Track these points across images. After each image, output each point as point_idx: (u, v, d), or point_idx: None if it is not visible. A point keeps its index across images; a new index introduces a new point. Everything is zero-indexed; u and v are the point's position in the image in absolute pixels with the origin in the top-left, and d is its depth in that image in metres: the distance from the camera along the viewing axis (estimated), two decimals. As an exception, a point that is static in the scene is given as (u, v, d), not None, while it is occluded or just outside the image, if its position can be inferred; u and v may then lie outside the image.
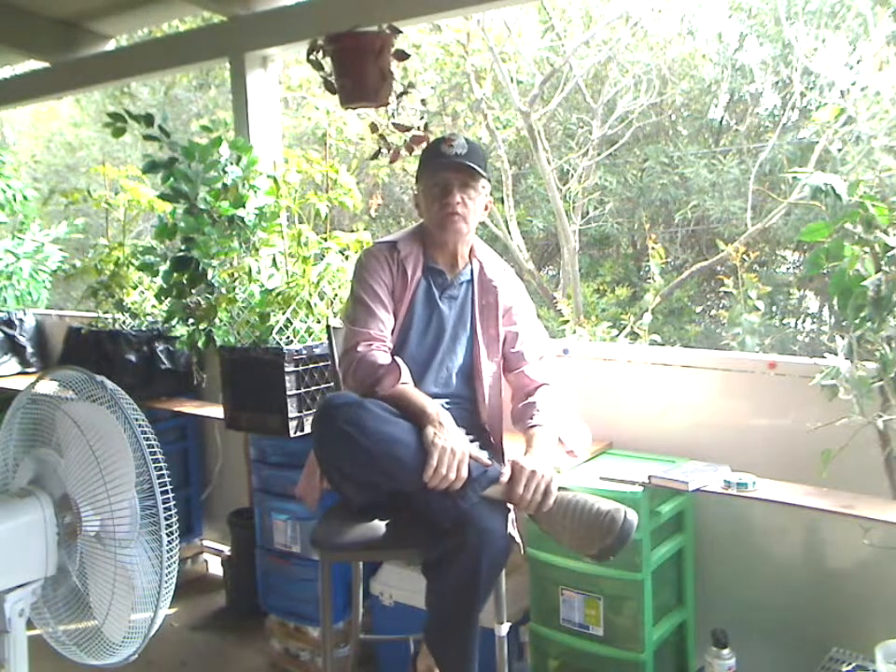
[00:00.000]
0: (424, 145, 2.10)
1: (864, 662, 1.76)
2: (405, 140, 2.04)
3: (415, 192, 1.98)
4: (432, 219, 1.91)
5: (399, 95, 2.03)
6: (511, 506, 1.75)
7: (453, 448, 1.65)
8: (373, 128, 2.12)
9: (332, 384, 2.31)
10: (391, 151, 2.03)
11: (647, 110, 6.57)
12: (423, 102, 2.28)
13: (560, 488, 1.73)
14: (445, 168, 1.86)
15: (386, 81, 2.01)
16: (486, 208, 1.96)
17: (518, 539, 1.77)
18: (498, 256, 2.07)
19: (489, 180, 1.93)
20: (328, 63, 2.04)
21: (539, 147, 6.14)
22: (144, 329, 3.06)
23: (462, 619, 1.69)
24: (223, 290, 2.57)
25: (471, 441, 1.89)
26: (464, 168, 1.85)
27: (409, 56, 2.00)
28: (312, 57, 2.01)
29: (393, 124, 2.06)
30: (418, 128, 2.02)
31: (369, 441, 1.66)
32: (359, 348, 1.84)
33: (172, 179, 2.55)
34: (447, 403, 1.93)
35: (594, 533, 1.64)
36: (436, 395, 1.92)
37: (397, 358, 1.84)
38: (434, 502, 1.65)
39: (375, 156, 2.25)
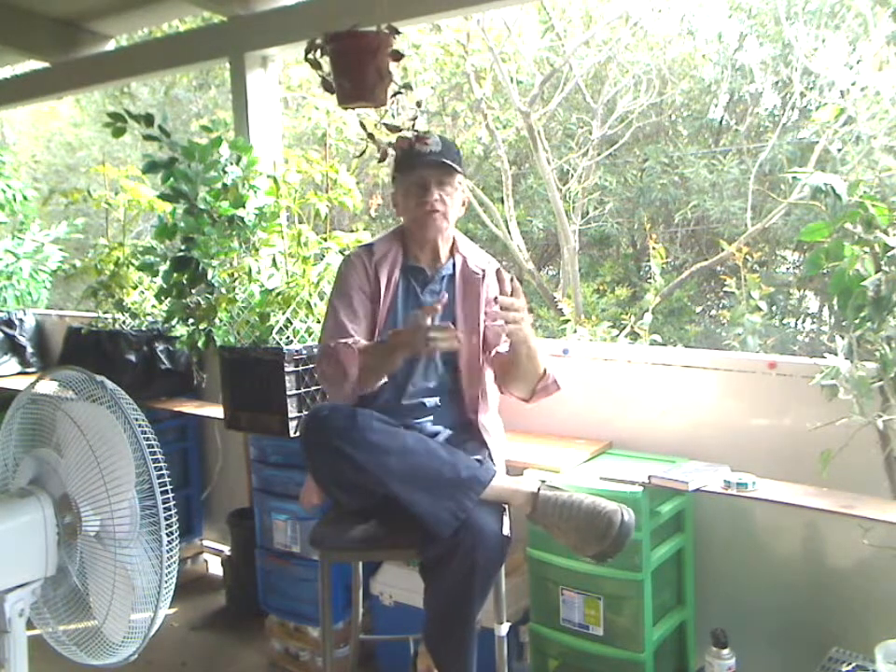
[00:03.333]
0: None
1: (864, 662, 1.76)
2: (389, 141, 2.04)
3: (392, 192, 2.00)
4: (411, 217, 1.93)
5: (394, 95, 2.03)
6: (505, 505, 1.76)
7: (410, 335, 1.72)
8: (363, 127, 2.12)
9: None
10: (380, 151, 2.03)
11: (647, 110, 6.58)
12: (418, 104, 2.26)
13: (556, 488, 1.73)
14: (421, 166, 1.87)
15: (384, 81, 2.00)
16: (464, 203, 1.97)
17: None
18: (482, 250, 2.07)
19: (465, 175, 1.95)
20: (326, 63, 2.04)
21: (539, 147, 6.15)
22: (144, 328, 3.06)
23: (460, 619, 1.69)
24: (223, 290, 2.57)
25: (465, 441, 1.90)
26: (440, 165, 1.86)
27: (403, 56, 2.01)
28: (310, 56, 2.01)
29: (384, 124, 2.06)
30: (409, 129, 2.02)
31: (357, 451, 1.67)
32: (324, 355, 1.90)
33: (172, 179, 2.55)
34: (441, 401, 1.94)
35: (590, 535, 1.64)
36: (427, 389, 1.93)
37: (342, 342, 1.85)
38: (430, 514, 1.64)
39: (361, 155, 2.26)
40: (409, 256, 1.98)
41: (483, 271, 1.97)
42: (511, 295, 1.71)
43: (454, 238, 2.00)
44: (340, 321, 1.91)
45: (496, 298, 1.72)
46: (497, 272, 1.78)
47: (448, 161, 1.87)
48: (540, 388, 1.90)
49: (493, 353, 1.96)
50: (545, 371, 1.89)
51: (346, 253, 2.13)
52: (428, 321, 1.71)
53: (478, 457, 1.80)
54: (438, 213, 1.88)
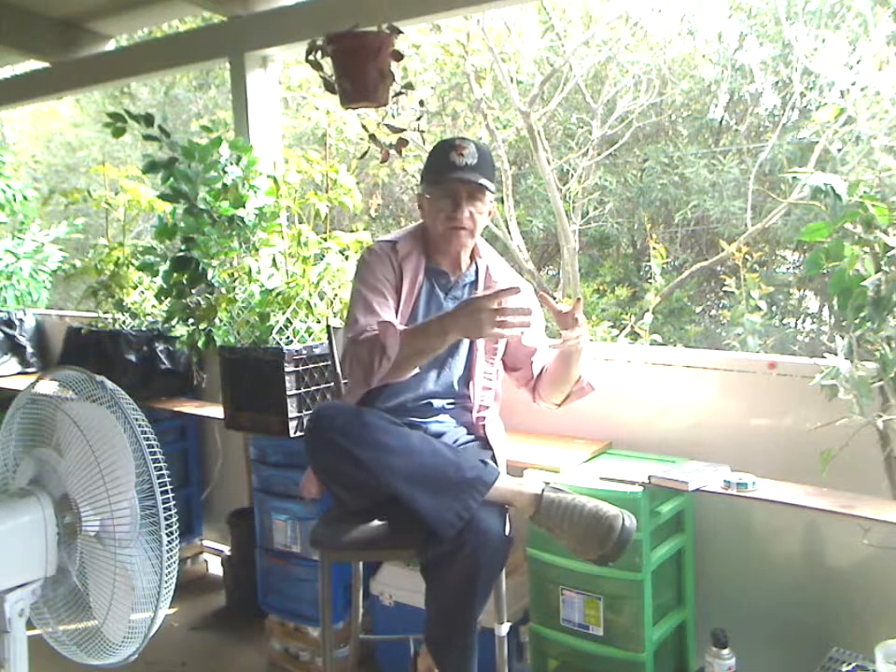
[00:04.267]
0: (407, 148, 2.12)
1: (864, 662, 1.76)
2: (391, 143, 2.04)
3: (419, 192, 1.96)
4: (437, 228, 1.89)
5: (395, 96, 2.03)
6: (507, 506, 1.76)
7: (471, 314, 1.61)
8: (365, 128, 2.12)
9: (332, 384, 2.31)
10: (382, 151, 2.03)
11: (647, 110, 6.57)
12: (420, 103, 2.26)
13: (559, 490, 1.73)
14: (455, 180, 1.83)
15: (385, 81, 2.01)
16: (490, 214, 1.95)
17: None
18: (506, 263, 2.07)
19: (494, 191, 1.91)
20: (327, 64, 2.04)
21: (539, 147, 6.14)
22: (144, 328, 3.06)
23: (461, 620, 1.69)
24: (223, 290, 2.57)
25: (470, 443, 1.90)
26: (471, 183, 1.83)
27: (403, 56, 2.01)
28: (311, 58, 2.01)
29: (385, 125, 2.06)
30: (416, 129, 2.03)
31: (361, 450, 1.66)
32: (359, 337, 1.78)
33: (172, 179, 2.55)
34: (449, 405, 1.94)
35: (591, 539, 1.64)
36: (437, 394, 1.93)
37: (382, 321, 1.77)
38: (434, 514, 1.64)
39: (363, 156, 2.26)
40: (431, 259, 1.95)
41: (506, 280, 1.95)
42: (574, 315, 1.76)
43: (475, 244, 1.98)
44: (371, 307, 1.83)
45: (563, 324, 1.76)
46: (536, 292, 1.82)
47: (482, 182, 1.83)
48: (575, 391, 1.94)
49: (538, 368, 1.98)
50: (580, 376, 1.91)
51: (368, 245, 2.09)
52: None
53: (482, 458, 1.80)
54: (464, 230, 1.86)
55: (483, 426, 1.95)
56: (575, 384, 1.92)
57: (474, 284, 1.97)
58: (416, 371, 1.77)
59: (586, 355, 1.88)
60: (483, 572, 1.63)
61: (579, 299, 1.78)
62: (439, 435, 1.87)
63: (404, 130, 2.04)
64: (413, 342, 1.70)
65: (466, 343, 1.94)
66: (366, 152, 2.20)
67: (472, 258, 1.99)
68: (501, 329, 1.59)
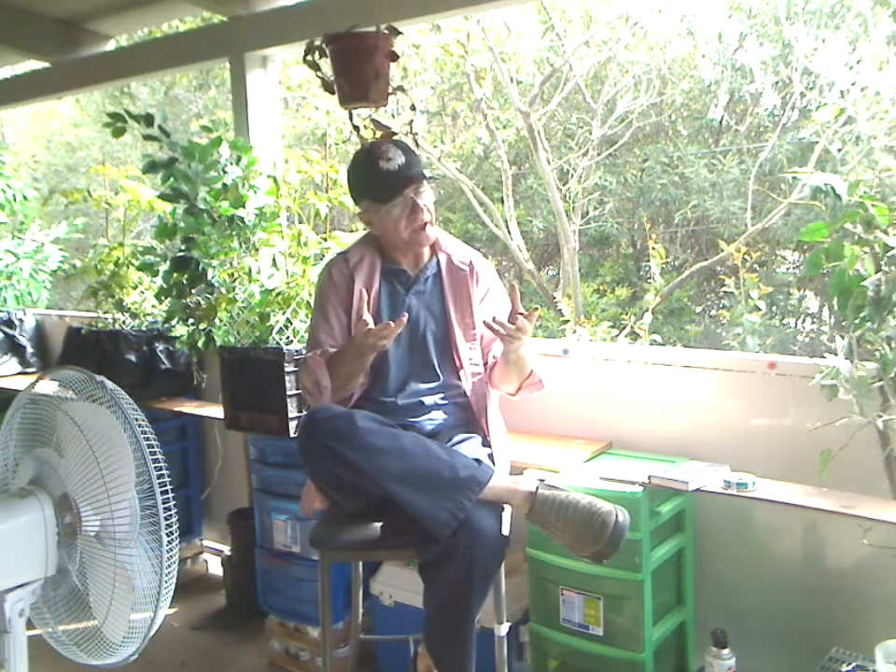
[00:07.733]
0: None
1: (864, 662, 1.76)
2: (374, 138, 2.06)
3: (361, 211, 1.96)
4: (401, 237, 1.91)
5: (388, 95, 2.04)
6: (505, 505, 1.76)
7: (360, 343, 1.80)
8: (350, 118, 2.13)
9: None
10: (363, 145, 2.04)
11: (647, 110, 6.58)
12: (412, 107, 2.25)
13: (554, 487, 1.73)
14: (400, 186, 1.85)
15: (384, 81, 2.01)
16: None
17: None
18: (464, 244, 2.08)
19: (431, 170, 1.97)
20: (325, 64, 2.04)
21: (539, 147, 6.15)
22: (144, 328, 3.06)
23: (459, 619, 1.69)
24: (223, 290, 2.57)
25: (467, 439, 1.90)
26: (418, 179, 1.87)
27: (399, 57, 2.02)
28: (308, 58, 2.01)
29: (372, 120, 2.06)
30: (408, 133, 2.03)
31: (354, 453, 1.67)
32: (303, 363, 1.97)
33: (172, 179, 2.55)
34: (441, 399, 1.94)
35: (585, 536, 1.64)
36: (426, 390, 1.93)
37: (311, 354, 1.93)
38: (429, 515, 1.64)
39: (344, 143, 2.28)
40: (387, 259, 1.97)
41: (470, 263, 1.98)
42: (517, 313, 1.78)
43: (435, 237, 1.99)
44: (316, 336, 1.96)
45: (510, 317, 1.78)
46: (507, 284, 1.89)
47: (424, 172, 1.88)
48: (525, 386, 1.96)
49: (494, 355, 1.98)
50: (531, 371, 1.93)
51: (324, 264, 2.12)
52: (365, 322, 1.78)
53: (477, 457, 1.80)
54: (428, 225, 1.90)
55: (485, 419, 1.95)
56: (527, 378, 1.93)
57: (437, 276, 1.98)
58: (360, 380, 1.91)
59: (530, 352, 1.90)
60: (479, 571, 1.63)
61: (536, 308, 1.83)
62: (433, 434, 1.87)
63: (390, 128, 2.05)
64: (340, 366, 1.87)
65: (441, 332, 1.96)
66: (346, 140, 2.22)
67: (433, 250, 1.99)
68: (377, 342, 1.76)
